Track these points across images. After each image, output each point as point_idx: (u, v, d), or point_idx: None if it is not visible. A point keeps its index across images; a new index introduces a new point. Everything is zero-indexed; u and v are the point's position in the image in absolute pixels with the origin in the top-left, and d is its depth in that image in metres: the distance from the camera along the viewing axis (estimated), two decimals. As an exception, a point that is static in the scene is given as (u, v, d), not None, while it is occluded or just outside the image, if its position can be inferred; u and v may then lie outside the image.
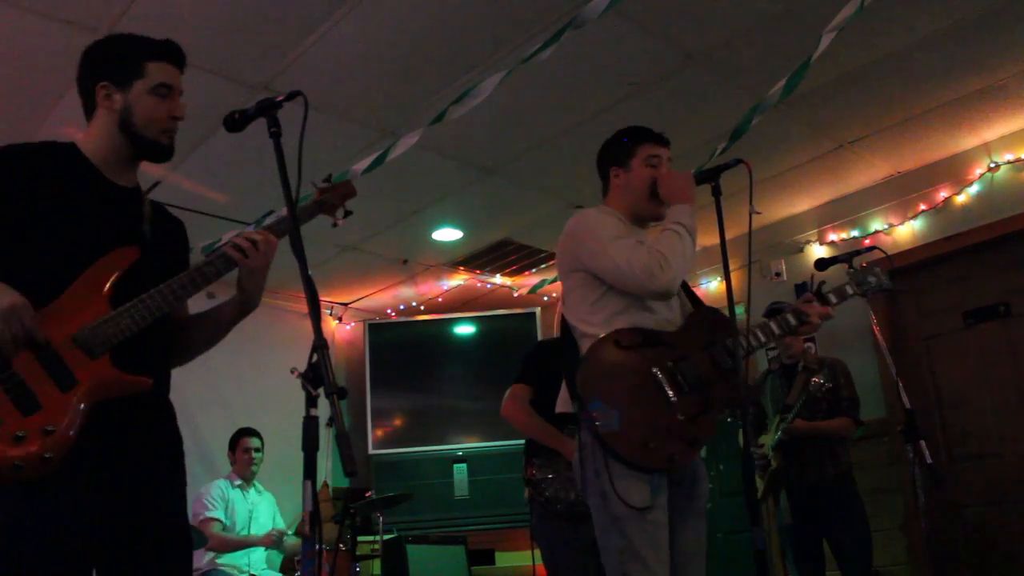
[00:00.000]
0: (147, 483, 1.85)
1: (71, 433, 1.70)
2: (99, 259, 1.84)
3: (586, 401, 2.27)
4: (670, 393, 2.29)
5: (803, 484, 4.02)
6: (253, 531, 5.01)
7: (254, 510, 5.09)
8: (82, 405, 1.73)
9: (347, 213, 2.27)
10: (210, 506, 4.88)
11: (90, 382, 1.75)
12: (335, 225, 2.29)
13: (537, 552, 3.34)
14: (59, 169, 1.91)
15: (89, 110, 2.00)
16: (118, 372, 1.79)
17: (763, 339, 2.51)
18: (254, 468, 5.13)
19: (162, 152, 1.99)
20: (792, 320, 2.52)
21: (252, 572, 4.89)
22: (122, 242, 1.89)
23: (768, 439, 4.12)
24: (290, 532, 5.21)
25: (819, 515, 3.99)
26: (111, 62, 1.97)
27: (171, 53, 2.00)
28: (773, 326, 2.50)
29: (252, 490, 5.16)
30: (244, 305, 2.02)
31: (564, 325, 2.48)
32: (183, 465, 2.02)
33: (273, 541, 4.96)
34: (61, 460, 1.68)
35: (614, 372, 2.29)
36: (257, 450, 5.14)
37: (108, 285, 1.83)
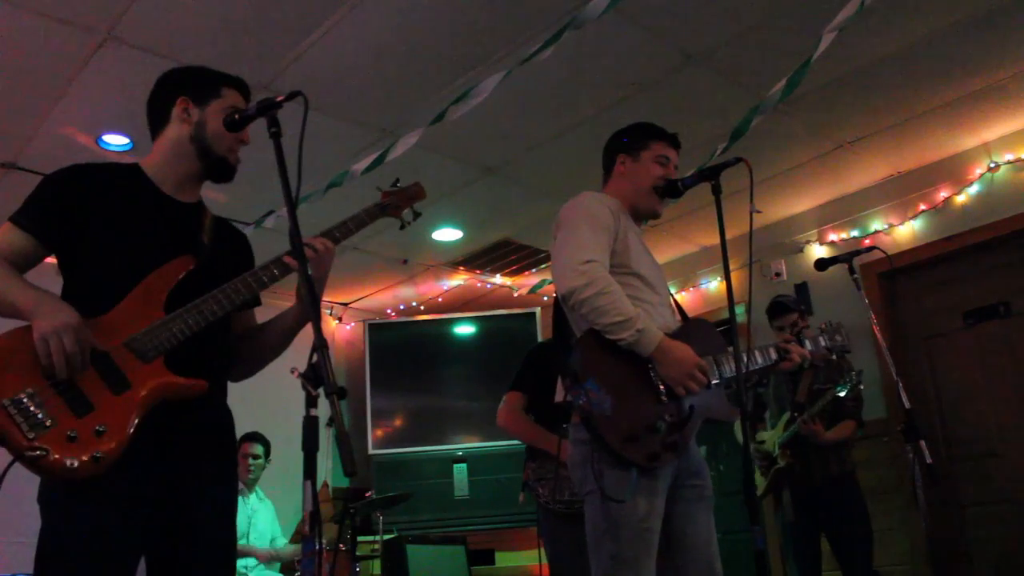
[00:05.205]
0: (196, 490, 1.88)
1: (123, 435, 1.72)
2: (156, 269, 1.88)
3: (582, 379, 2.23)
4: (662, 391, 2.28)
5: (807, 483, 4.02)
6: (252, 539, 4.98)
7: (253, 516, 5.06)
8: (135, 407, 1.75)
9: (416, 215, 2.33)
10: None
11: (143, 385, 1.78)
12: (403, 227, 2.34)
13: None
14: (119, 186, 1.98)
15: (158, 127, 2.07)
16: (171, 375, 1.81)
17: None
18: (251, 476, 5.06)
19: (226, 169, 2.06)
20: (774, 355, 2.54)
21: (250, 574, 4.88)
22: (179, 253, 1.93)
23: (772, 436, 4.10)
24: (286, 540, 5.20)
25: (820, 514, 3.99)
26: (192, 81, 2.06)
27: (244, 86, 2.10)
28: (757, 355, 2.53)
29: (252, 496, 5.12)
30: (305, 313, 2.04)
31: (558, 308, 2.45)
32: (235, 474, 2.06)
33: (269, 559, 4.96)
34: (112, 461, 1.70)
35: (611, 358, 2.26)
36: (256, 457, 5.06)
37: (163, 294, 1.87)
